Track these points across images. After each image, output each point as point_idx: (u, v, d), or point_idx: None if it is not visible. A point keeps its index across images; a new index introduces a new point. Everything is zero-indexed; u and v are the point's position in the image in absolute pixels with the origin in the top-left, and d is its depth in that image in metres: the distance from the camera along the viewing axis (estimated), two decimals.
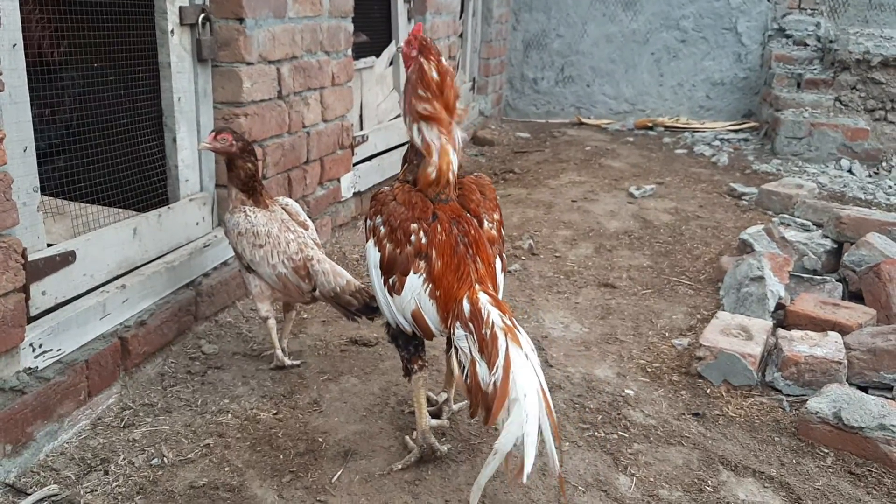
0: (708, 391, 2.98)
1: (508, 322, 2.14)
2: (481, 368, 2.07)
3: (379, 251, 2.37)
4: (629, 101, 9.14)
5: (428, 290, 2.28)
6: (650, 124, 8.70)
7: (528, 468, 1.90)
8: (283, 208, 3.03)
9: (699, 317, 3.63)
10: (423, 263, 2.30)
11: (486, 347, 2.08)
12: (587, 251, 4.53)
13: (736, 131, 8.25)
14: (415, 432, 2.51)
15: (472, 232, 2.36)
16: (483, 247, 2.36)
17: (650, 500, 2.35)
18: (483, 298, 2.21)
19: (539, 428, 1.95)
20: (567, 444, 2.60)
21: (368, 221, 2.44)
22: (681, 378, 3.08)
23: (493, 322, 2.13)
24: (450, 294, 2.26)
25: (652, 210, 5.36)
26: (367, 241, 2.44)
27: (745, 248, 4.12)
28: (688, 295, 3.91)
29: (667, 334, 3.46)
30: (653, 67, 9.02)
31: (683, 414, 2.83)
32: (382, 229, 2.37)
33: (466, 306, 2.20)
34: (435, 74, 2.36)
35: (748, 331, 3.19)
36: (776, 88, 7.57)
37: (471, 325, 2.16)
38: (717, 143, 7.75)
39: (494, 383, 2.01)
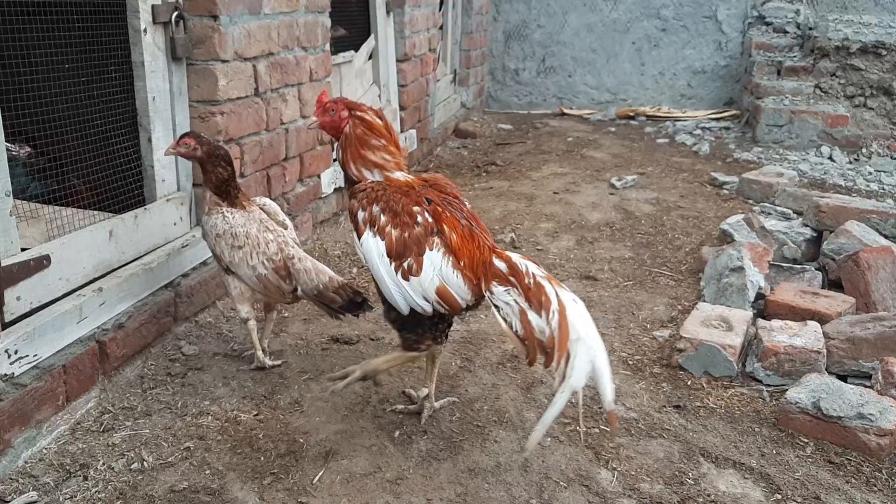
0: (689, 383, 2.99)
1: (545, 272, 2.32)
2: (533, 316, 2.22)
3: (383, 239, 2.39)
4: (611, 90, 9.15)
5: (450, 262, 2.36)
6: (632, 114, 8.71)
7: (610, 396, 2.14)
8: (260, 208, 3.00)
9: (680, 308, 3.64)
10: (436, 240, 2.37)
11: (535, 296, 2.24)
12: (569, 244, 4.54)
13: (717, 119, 8.27)
14: (371, 364, 2.57)
15: (465, 209, 2.50)
16: (479, 220, 2.50)
17: (631, 493, 2.36)
18: (513, 255, 2.37)
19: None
20: (548, 439, 2.61)
21: (362, 213, 2.43)
22: (662, 370, 3.09)
23: (533, 273, 2.29)
24: (475, 260, 2.37)
25: (633, 201, 5.37)
26: (361, 234, 2.43)
27: (726, 238, 4.14)
28: (669, 286, 3.92)
29: (648, 326, 3.47)
30: (634, 57, 9.02)
31: (665, 406, 2.84)
32: (383, 217, 2.39)
33: (501, 264, 2.34)
34: (378, 121, 2.53)
35: (728, 322, 3.20)
36: (756, 76, 7.59)
37: (512, 279, 2.30)
38: (698, 131, 7.77)
39: (552, 327, 2.18)
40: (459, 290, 2.36)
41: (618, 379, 3.01)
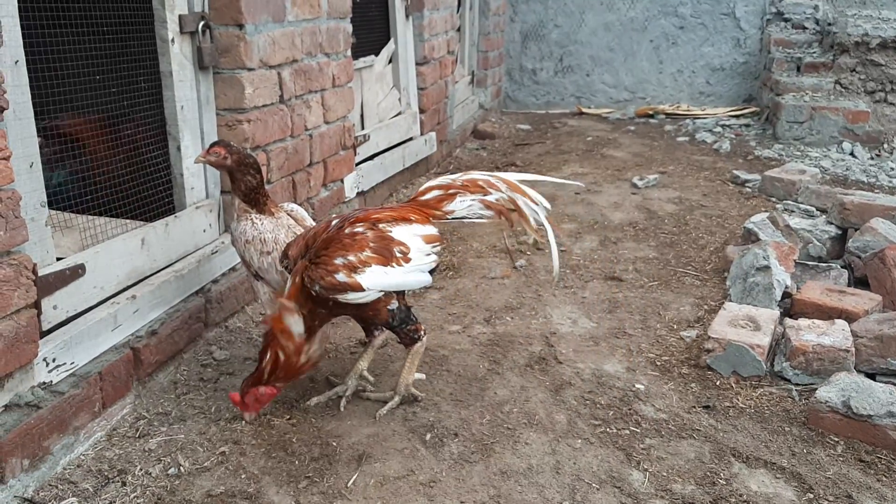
0: (717, 383, 3.00)
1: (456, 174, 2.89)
2: (489, 196, 2.79)
3: (368, 265, 2.55)
4: (629, 89, 9.13)
5: (408, 225, 2.68)
6: (651, 112, 8.69)
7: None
8: (288, 214, 3.04)
9: (706, 308, 3.64)
10: (384, 225, 2.65)
11: (475, 186, 2.79)
12: (592, 244, 4.55)
13: (737, 117, 8.24)
14: (399, 385, 2.79)
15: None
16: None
17: (664, 494, 2.37)
18: (433, 181, 2.87)
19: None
20: (579, 440, 2.62)
21: (341, 276, 2.51)
22: (690, 370, 3.09)
23: (453, 178, 2.84)
24: (416, 211, 2.74)
25: (656, 200, 5.37)
26: (359, 287, 2.52)
27: (750, 237, 4.13)
28: (694, 286, 3.92)
29: (675, 326, 3.47)
30: (652, 55, 9.00)
31: (694, 407, 2.85)
32: (347, 258, 2.53)
33: (434, 192, 2.81)
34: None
35: (756, 321, 3.20)
36: (776, 73, 7.55)
37: (450, 191, 2.80)
38: (718, 129, 7.74)
39: (503, 191, 2.80)
40: (430, 230, 2.71)
41: (646, 380, 3.02)
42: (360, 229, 2.61)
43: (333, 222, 2.67)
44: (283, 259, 2.71)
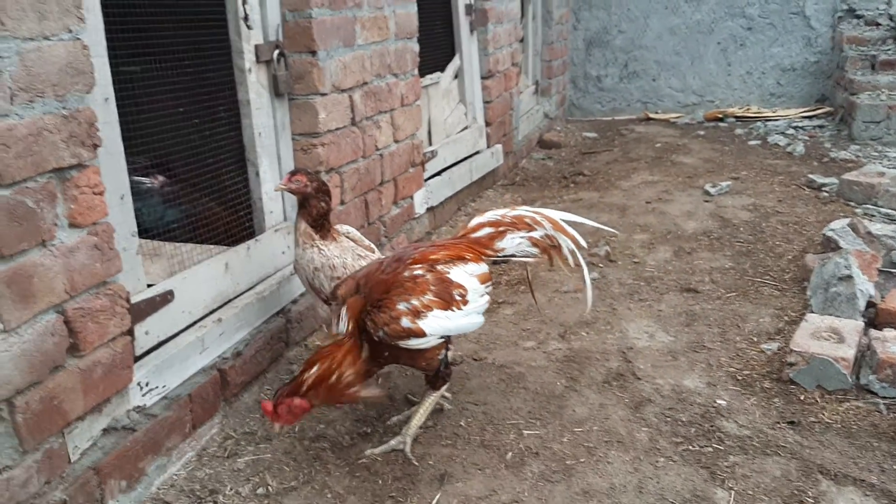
0: (801, 397, 2.93)
1: (503, 210, 2.90)
2: (535, 233, 2.81)
3: (430, 309, 2.50)
4: (697, 92, 9.00)
5: (461, 264, 2.64)
6: (720, 116, 8.53)
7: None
8: (345, 236, 3.08)
9: (786, 319, 3.57)
10: (440, 266, 2.61)
11: (522, 222, 2.81)
12: (666, 255, 4.49)
13: (810, 118, 8.04)
14: (409, 427, 2.71)
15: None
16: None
17: None
18: (483, 217, 2.87)
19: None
20: (661, 458, 2.60)
21: (406, 321, 2.45)
22: (772, 385, 3.03)
23: (503, 214, 2.85)
24: (466, 248, 2.72)
25: (730, 208, 5.28)
26: (420, 333, 2.47)
27: (830, 244, 4.03)
28: (773, 296, 3.84)
29: (755, 339, 3.41)
30: (719, 57, 8.85)
31: (778, 422, 2.80)
32: (410, 303, 2.47)
33: (485, 230, 2.80)
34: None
35: (839, 333, 3.12)
36: (850, 71, 7.35)
37: (500, 229, 2.79)
38: (791, 131, 7.56)
39: (546, 227, 2.81)
40: (483, 269, 2.69)
41: (728, 395, 2.98)
42: (419, 272, 2.54)
43: (386, 262, 2.62)
44: (333, 298, 2.65)
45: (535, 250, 2.81)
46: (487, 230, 2.78)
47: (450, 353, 2.78)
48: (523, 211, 2.83)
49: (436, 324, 2.48)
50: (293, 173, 2.90)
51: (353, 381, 2.46)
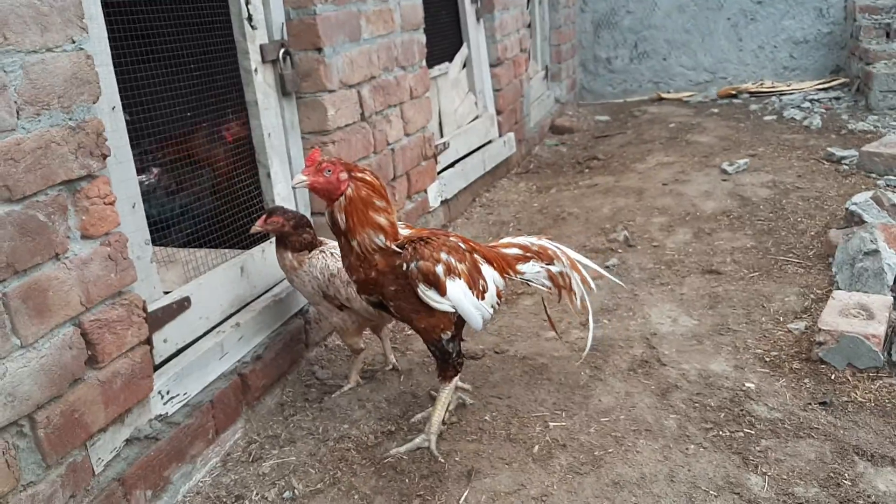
0: (832, 377, 2.87)
1: (531, 236, 2.99)
2: (553, 266, 2.88)
3: (459, 277, 2.56)
4: (709, 70, 8.88)
5: (493, 270, 2.72)
6: (734, 92, 8.42)
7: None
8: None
9: (813, 297, 3.50)
10: (477, 257, 2.70)
11: (545, 253, 2.90)
12: (686, 237, 4.43)
13: (825, 90, 7.91)
14: (433, 424, 2.67)
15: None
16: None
17: (786, 499, 2.28)
18: (514, 240, 2.95)
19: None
20: (692, 445, 2.56)
21: (440, 267, 2.50)
22: (802, 365, 2.97)
23: (530, 242, 2.92)
24: (499, 260, 2.78)
25: (748, 185, 5.19)
26: (444, 289, 2.52)
27: (853, 218, 3.95)
28: (798, 274, 3.78)
29: (781, 319, 3.34)
30: (730, 33, 8.73)
31: (809, 404, 2.74)
32: (452, 260, 2.55)
33: (513, 250, 2.88)
34: (379, 182, 2.50)
35: (868, 309, 3.05)
36: (864, 41, 7.22)
37: (527, 254, 2.87)
38: (806, 104, 7.45)
39: (564, 263, 2.89)
40: (501, 283, 2.75)
41: (756, 378, 2.92)
42: (463, 246, 2.66)
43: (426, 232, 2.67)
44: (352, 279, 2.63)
45: (548, 283, 2.89)
46: (516, 251, 2.88)
47: (462, 344, 2.80)
48: (547, 243, 2.93)
49: (458, 291, 2.55)
50: (270, 214, 2.87)
51: (363, 267, 2.50)
